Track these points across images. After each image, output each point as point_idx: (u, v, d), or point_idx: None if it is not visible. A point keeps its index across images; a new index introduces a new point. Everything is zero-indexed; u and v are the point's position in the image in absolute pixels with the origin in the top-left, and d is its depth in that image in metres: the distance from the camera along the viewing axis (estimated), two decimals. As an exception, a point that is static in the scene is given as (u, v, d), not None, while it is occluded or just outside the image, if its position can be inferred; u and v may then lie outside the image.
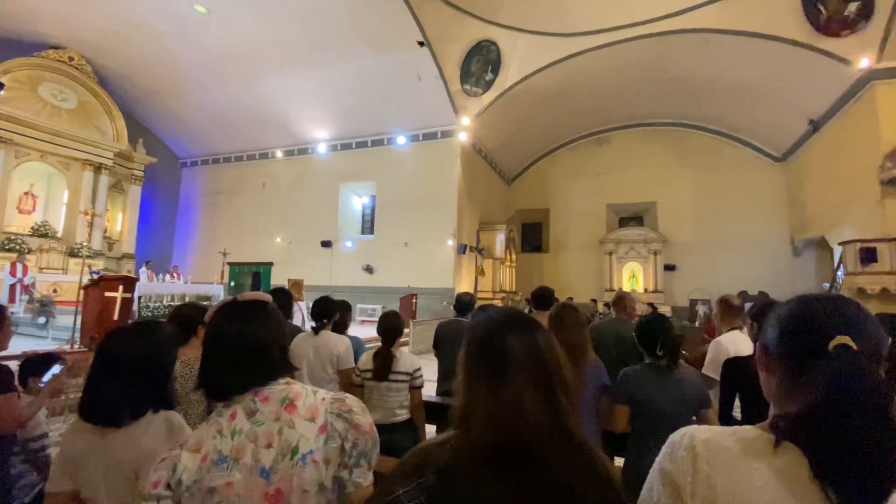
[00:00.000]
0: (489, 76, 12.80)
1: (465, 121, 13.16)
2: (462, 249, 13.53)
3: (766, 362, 0.81)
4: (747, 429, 0.74)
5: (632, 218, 17.11)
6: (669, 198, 16.20)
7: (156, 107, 15.63)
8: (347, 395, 1.06)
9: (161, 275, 11.85)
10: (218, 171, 17.56)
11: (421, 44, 11.43)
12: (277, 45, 12.19)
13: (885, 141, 9.18)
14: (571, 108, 14.90)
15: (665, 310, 14.06)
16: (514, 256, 16.95)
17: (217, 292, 11.48)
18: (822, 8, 9.55)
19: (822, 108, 11.28)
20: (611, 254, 16.27)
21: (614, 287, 15.50)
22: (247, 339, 0.98)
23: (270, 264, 15.62)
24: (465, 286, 13.74)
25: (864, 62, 9.38)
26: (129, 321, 6.31)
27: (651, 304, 11.56)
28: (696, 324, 10.76)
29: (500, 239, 15.28)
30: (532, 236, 18.66)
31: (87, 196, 13.23)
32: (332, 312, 2.67)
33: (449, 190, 13.57)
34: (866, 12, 9.12)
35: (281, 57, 12.54)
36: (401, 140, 14.31)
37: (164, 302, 10.35)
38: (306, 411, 0.96)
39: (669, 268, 15.65)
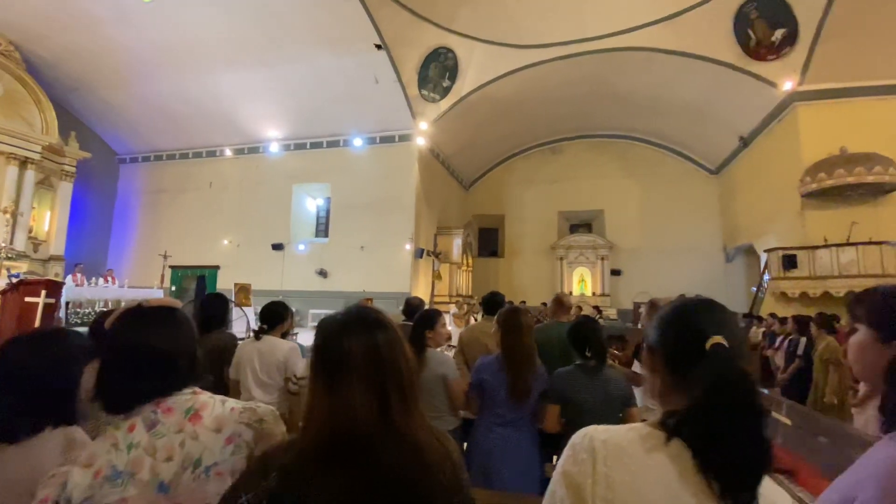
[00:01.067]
0: (447, 83, 12.93)
1: (423, 125, 13.21)
2: (419, 254, 13.52)
3: (652, 363, 0.86)
4: (641, 426, 0.79)
5: (581, 225, 17.81)
6: (616, 206, 17.00)
7: (92, 99, 14.58)
8: (260, 404, 1.03)
9: (94, 279, 11.02)
10: (160, 169, 16.58)
11: (378, 47, 11.38)
12: (228, 40, 11.73)
13: (805, 157, 10.07)
14: (526, 117, 15.33)
15: (611, 312, 14.70)
16: (471, 261, 17.13)
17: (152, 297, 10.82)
18: (751, 33, 10.39)
19: (750, 126, 12.25)
20: (562, 259, 16.84)
21: (565, 291, 16.03)
22: (149, 347, 0.94)
23: (216, 268, 14.97)
24: (421, 290, 13.73)
25: (788, 85, 10.29)
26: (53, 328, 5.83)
27: (597, 308, 12.05)
28: (639, 325, 11.31)
29: (457, 243, 15.40)
30: (489, 241, 18.95)
31: (10, 193, 12.10)
32: (279, 318, 2.62)
33: (406, 194, 13.54)
34: (791, 39, 10.01)
35: (231, 52, 12.08)
36: (357, 142, 14.14)
37: (97, 308, 9.65)
38: (212, 422, 0.93)
39: (615, 273, 16.39)
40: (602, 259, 16.47)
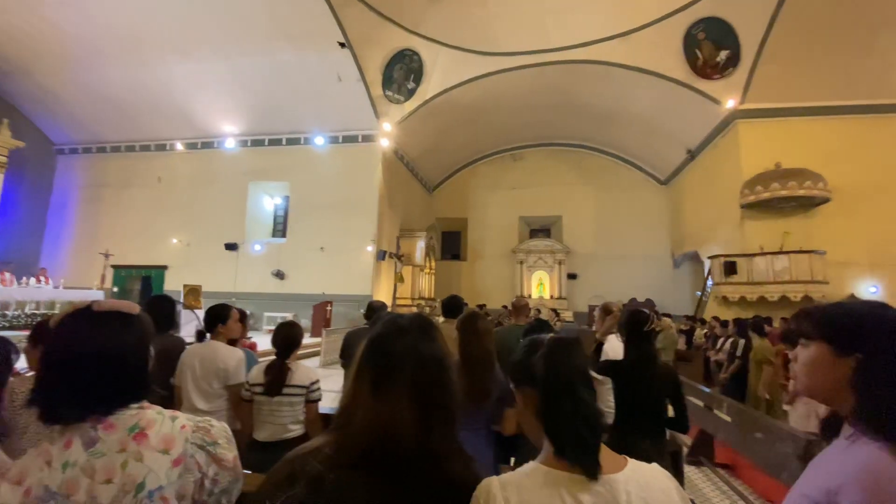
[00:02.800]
0: (411, 85, 12.91)
1: (387, 126, 13.12)
2: (381, 256, 13.39)
3: (523, 401, 0.92)
4: (533, 468, 0.83)
5: (540, 230, 18.30)
6: (573, 213, 17.61)
7: (28, 84, 13.45)
8: (213, 422, 0.96)
9: (25, 278, 10.15)
10: (103, 162, 15.53)
11: (342, 45, 11.22)
12: (182, 30, 11.20)
13: (745, 171, 10.81)
14: (489, 123, 15.57)
15: (567, 315, 15.15)
16: (433, 264, 17.15)
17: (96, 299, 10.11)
18: (699, 53, 11.06)
19: (697, 139, 13.02)
20: (522, 263, 17.21)
21: (524, 294, 16.36)
22: (94, 355, 0.86)
23: (164, 268, 14.25)
24: (383, 293, 13.60)
25: (731, 103, 11.02)
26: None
27: (554, 310, 12.37)
28: (593, 328, 11.71)
29: (420, 246, 15.38)
30: (451, 244, 19.05)
31: (-76, 182, 10.98)
32: (217, 319, 2.50)
33: (369, 195, 13.39)
34: (734, 60, 10.74)
35: (185, 42, 11.52)
36: (319, 140, 13.84)
37: (27, 310, 8.91)
38: (159, 442, 0.86)
39: (572, 276, 16.94)
40: (559, 263, 16.97)
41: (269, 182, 14.64)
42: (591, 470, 0.76)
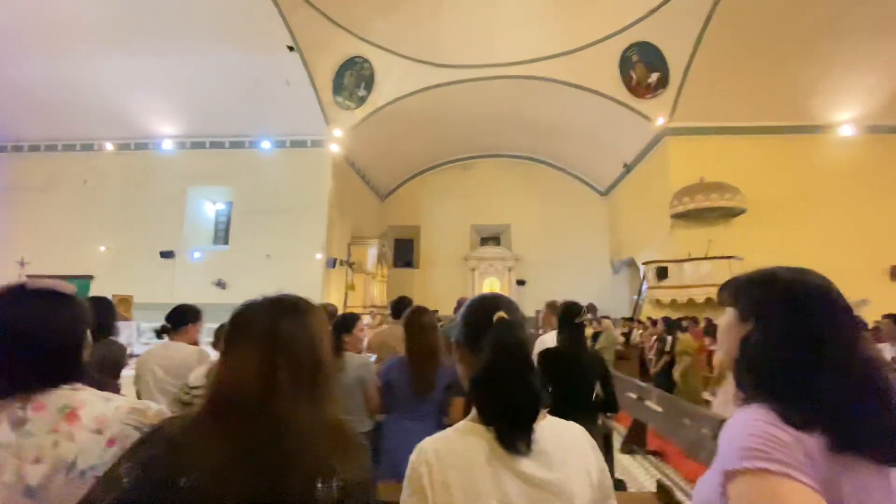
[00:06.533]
0: (362, 92, 12.88)
1: (338, 132, 12.97)
2: (331, 263, 13.12)
3: (460, 354, 1.03)
4: (460, 423, 0.93)
5: (491, 238, 18.72)
6: (521, 221, 18.19)
7: (-75, 72, 12.05)
8: (151, 404, 0.97)
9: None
10: (21, 162, 14.12)
11: (291, 48, 11.02)
12: (113, 23, 10.50)
13: (674, 184, 11.70)
14: (440, 133, 15.81)
15: (517, 321, 15.54)
16: (385, 271, 17.02)
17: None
18: (633, 74, 11.91)
19: (632, 154, 13.95)
20: (473, 270, 17.53)
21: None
22: (22, 331, 0.85)
23: (89, 278, 13.18)
24: (334, 301, 13.28)
25: (661, 120, 11.93)
26: None
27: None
28: (539, 331, 12.15)
29: (372, 253, 15.23)
30: (404, 252, 19.00)
31: None
32: (186, 319, 2.47)
33: (318, 201, 13.11)
34: (663, 82, 11.64)
35: (114, 36, 10.80)
36: (265, 145, 13.42)
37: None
38: (92, 421, 0.86)
39: (521, 283, 17.43)
40: (509, 270, 17.46)
41: (211, 186, 13.96)
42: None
